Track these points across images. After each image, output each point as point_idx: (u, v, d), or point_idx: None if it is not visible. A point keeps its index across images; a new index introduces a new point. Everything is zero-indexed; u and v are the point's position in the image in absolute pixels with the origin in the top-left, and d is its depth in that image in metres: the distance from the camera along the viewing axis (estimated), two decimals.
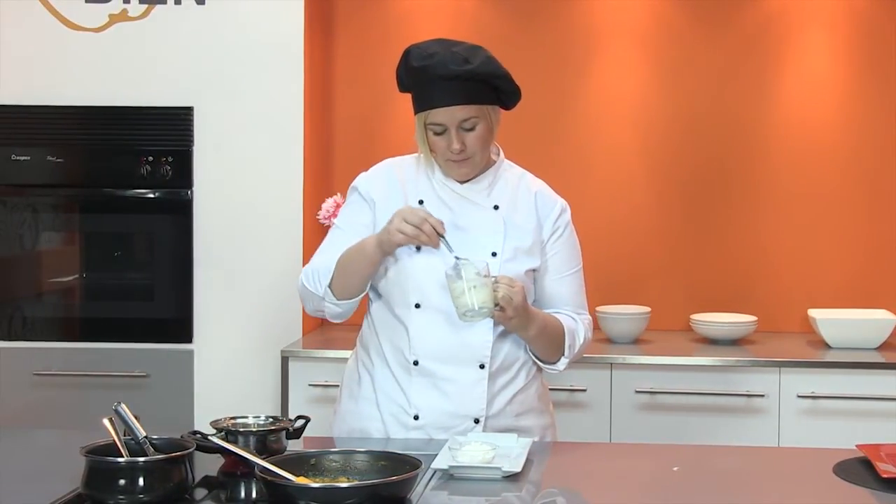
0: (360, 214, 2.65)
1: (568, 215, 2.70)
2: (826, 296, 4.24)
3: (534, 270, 2.64)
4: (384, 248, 2.51)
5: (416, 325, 2.57)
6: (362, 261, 2.54)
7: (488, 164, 2.65)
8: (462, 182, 2.62)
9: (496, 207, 2.62)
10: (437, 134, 2.54)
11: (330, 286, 2.57)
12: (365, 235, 2.58)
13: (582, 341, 2.68)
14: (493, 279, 2.43)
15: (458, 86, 2.49)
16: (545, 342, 2.62)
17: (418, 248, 2.55)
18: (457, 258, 2.43)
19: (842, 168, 4.26)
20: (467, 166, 2.58)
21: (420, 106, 2.55)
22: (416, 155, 2.67)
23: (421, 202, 2.61)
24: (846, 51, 4.24)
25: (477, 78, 2.50)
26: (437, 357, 2.57)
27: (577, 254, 2.72)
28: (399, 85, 2.61)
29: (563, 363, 2.66)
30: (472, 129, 2.53)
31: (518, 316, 2.48)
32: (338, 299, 2.59)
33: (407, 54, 2.55)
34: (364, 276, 2.56)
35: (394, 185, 2.64)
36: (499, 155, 2.69)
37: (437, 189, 2.62)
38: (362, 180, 2.69)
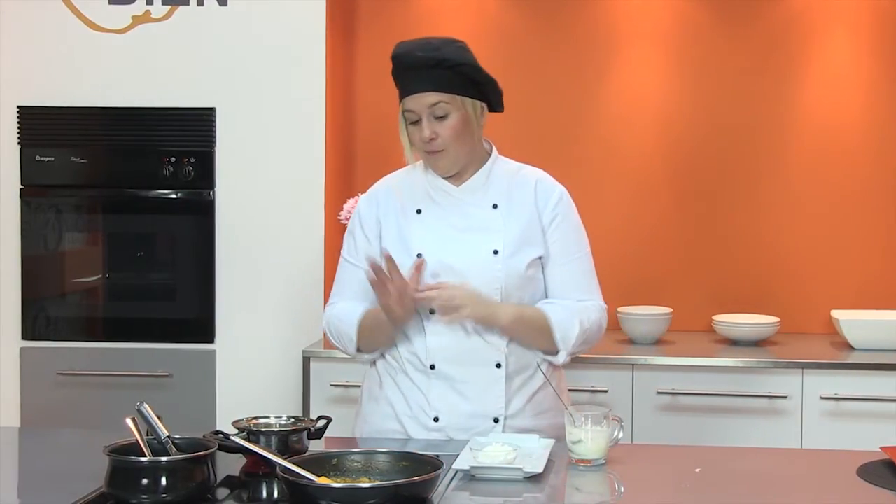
0: (362, 247, 2.68)
1: (567, 201, 2.69)
2: (849, 297, 4.21)
3: (538, 259, 2.64)
4: (395, 323, 2.58)
5: (431, 330, 2.60)
6: (384, 328, 2.60)
7: (482, 161, 2.66)
8: (452, 181, 2.64)
9: (495, 206, 2.63)
10: (412, 123, 2.59)
11: (358, 349, 2.67)
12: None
13: (579, 331, 2.60)
14: (608, 429, 2.39)
15: (426, 73, 2.55)
16: (524, 335, 2.61)
17: (419, 256, 2.58)
18: (567, 409, 2.40)
19: (865, 169, 4.23)
20: (443, 159, 2.60)
21: (400, 97, 2.60)
22: (412, 166, 2.71)
23: (419, 211, 2.64)
24: (870, 51, 4.21)
25: (444, 65, 2.54)
26: (454, 360, 2.59)
27: (581, 238, 2.70)
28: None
29: (561, 356, 2.62)
30: (443, 119, 2.56)
31: (469, 311, 2.53)
32: (368, 353, 2.68)
33: (395, 47, 2.62)
34: (390, 336, 2.63)
35: (391, 201, 2.68)
36: (491, 150, 2.70)
37: (433, 195, 2.65)
38: (362, 206, 2.74)
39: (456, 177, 2.65)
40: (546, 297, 2.68)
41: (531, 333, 2.61)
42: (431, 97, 2.55)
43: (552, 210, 2.66)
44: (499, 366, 2.60)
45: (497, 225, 2.62)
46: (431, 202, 2.65)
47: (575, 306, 2.64)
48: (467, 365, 2.59)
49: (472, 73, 2.57)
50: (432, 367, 2.59)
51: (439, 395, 2.59)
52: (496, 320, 2.57)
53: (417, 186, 2.67)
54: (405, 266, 2.56)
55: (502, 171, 2.68)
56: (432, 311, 2.58)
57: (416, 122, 2.58)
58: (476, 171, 2.65)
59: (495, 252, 2.59)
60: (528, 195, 2.66)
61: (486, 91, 2.61)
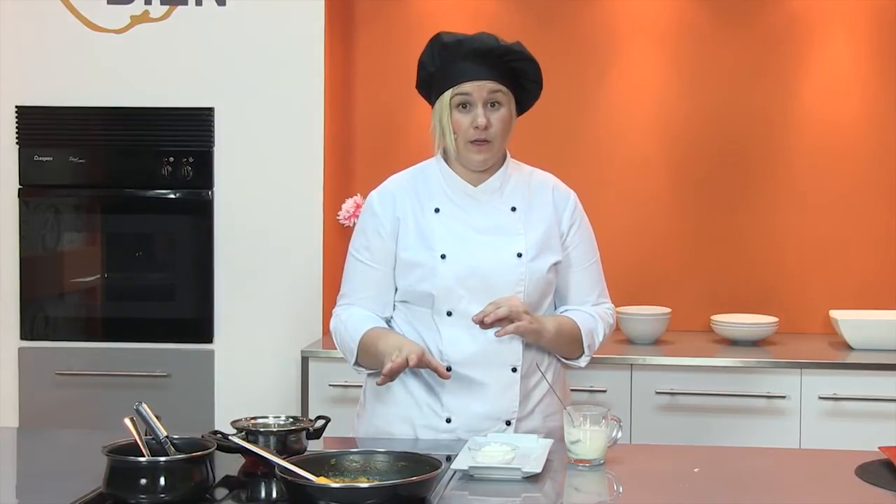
0: (379, 247, 2.64)
1: (580, 205, 2.72)
2: (848, 297, 4.21)
3: (556, 264, 2.65)
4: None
5: (448, 333, 2.59)
6: (378, 359, 2.54)
7: (499, 164, 2.65)
8: (469, 181, 2.62)
9: (513, 209, 2.63)
10: (462, 109, 2.55)
11: (357, 363, 2.63)
12: (387, 264, 2.62)
13: (602, 337, 2.70)
14: (607, 429, 2.39)
15: (490, 62, 2.54)
16: (560, 346, 2.65)
17: (443, 256, 2.57)
18: (566, 408, 2.40)
19: (864, 168, 4.23)
20: (487, 150, 2.57)
21: (448, 82, 2.55)
22: (422, 165, 2.69)
23: (437, 210, 2.62)
24: (869, 51, 4.21)
25: (510, 56, 2.55)
26: (471, 362, 2.58)
27: (594, 242, 2.75)
28: (421, 72, 2.62)
29: (584, 360, 2.71)
30: (497, 110, 2.55)
31: (528, 331, 2.53)
32: (367, 369, 2.64)
33: (436, 36, 2.59)
34: (380, 363, 2.56)
35: (407, 198, 2.64)
36: (506, 154, 2.70)
37: (451, 194, 2.63)
38: (376, 204, 2.67)
39: (474, 177, 2.64)
40: (560, 301, 2.70)
41: (566, 344, 2.65)
42: (493, 84, 2.54)
43: (570, 217, 2.68)
44: (514, 370, 2.59)
45: (517, 228, 2.61)
46: (449, 201, 2.63)
47: (596, 312, 2.70)
48: (484, 367, 2.58)
49: (532, 70, 2.59)
50: (448, 368, 2.57)
51: (454, 397, 2.58)
52: (542, 335, 2.58)
53: (433, 185, 2.65)
54: (427, 265, 2.56)
55: (517, 174, 2.68)
56: (449, 314, 2.57)
57: (467, 110, 2.55)
58: (494, 172, 2.64)
59: (519, 255, 2.59)
60: (547, 201, 2.67)
61: (528, 97, 2.63)
